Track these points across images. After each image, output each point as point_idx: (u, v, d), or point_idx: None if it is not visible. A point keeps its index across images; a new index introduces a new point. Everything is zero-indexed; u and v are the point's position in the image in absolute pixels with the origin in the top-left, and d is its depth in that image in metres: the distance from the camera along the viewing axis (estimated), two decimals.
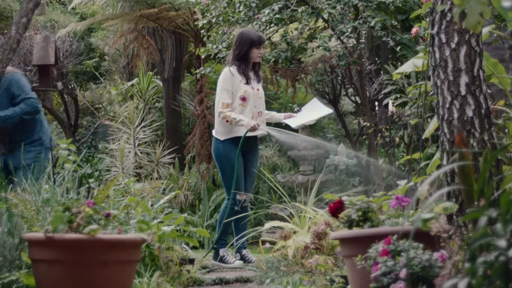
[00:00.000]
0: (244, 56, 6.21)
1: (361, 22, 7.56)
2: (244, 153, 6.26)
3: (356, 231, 3.47)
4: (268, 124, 6.48)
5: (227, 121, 6.11)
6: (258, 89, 6.30)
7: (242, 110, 6.15)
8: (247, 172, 6.32)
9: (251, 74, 6.28)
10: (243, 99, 6.17)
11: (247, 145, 6.24)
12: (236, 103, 6.16)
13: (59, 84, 11.95)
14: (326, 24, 8.39)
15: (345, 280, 3.86)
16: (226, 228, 6.28)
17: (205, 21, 8.40)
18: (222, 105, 6.10)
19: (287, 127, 6.71)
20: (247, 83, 6.19)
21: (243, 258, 6.20)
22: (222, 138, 6.19)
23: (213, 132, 6.32)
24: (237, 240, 6.23)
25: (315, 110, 6.60)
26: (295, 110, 6.62)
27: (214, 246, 6.33)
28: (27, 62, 12.64)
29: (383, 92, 10.00)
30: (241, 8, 8.01)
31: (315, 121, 6.73)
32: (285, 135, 6.54)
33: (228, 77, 6.15)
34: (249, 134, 6.15)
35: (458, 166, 2.67)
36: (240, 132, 6.15)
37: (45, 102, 13.61)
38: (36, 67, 11.03)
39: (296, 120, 6.46)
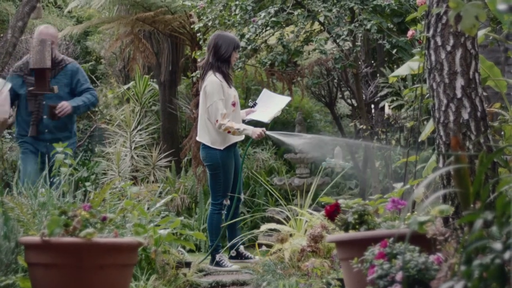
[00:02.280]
0: (228, 58, 6.22)
1: (357, 25, 7.57)
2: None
3: (352, 234, 3.48)
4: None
5: (228, 132, 6.08)
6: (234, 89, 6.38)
7: (234, 116, 6.17)
8: (238, 173, 6.34)
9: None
10: (234, 104, 6.20)
11: (234, 147, 6.29)
12: (229, 110, 6.15)
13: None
14: (322, 27, 8.40)
15: (342, 283, 3.87)
16: (219, 233, 6.27)
17: (201, 24, 8.39)
18: (222, 116, 6.04)
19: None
20: (230, 87, 6.22)
21: (240, 255, 6.20)
22: (221, 147, 6.16)
23: (206, 142, 6.21)
24: (231, 243, 6.26)
25: (272, 99, 6.63)
26: (252, 104, 6.64)
27: (211, 253, 6.31)
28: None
29: (379, 95, 10.01)
30: (237, 11, 8.01)
31: (281, 111, 6.72)
32: (287, 137, 6.58)
33: (219, 87, 6.10)
34: (238, 139, 6.22)
35: (454, 169, 2.67)
36: (234, 138, 6.20)
37: None
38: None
39: (265, 115, 6.46)
